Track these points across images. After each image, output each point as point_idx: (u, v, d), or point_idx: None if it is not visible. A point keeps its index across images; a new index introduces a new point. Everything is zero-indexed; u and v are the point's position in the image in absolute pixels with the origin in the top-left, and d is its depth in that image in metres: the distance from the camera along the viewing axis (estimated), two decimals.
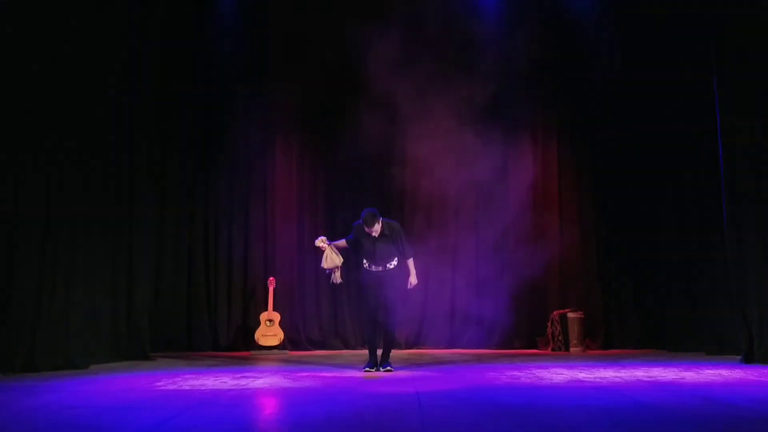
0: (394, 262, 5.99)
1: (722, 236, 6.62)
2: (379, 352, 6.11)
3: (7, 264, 6.02)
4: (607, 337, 8.36)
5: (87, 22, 6.72)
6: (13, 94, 6.17)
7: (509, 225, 8.48)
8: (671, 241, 7.89)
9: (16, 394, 4.82)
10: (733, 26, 6.54)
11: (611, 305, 8.51)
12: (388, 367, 5.95)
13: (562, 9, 8.74)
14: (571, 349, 7.93)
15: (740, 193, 6.38)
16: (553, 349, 8.04)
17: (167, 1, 8.10)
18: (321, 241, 6.11)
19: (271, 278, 8.29)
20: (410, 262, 6.10)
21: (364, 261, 6.03)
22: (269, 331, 8.08)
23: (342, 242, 6.16)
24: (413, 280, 6.10)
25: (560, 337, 8.04)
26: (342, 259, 6.09)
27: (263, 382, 5.32)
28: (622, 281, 8.51)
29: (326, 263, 6.05)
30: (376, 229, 5.89)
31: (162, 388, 5.00)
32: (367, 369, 5.97)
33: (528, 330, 8.45)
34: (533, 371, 5.88)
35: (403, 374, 5.79)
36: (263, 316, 8.15)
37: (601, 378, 5.31)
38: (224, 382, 5.27)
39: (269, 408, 4.33)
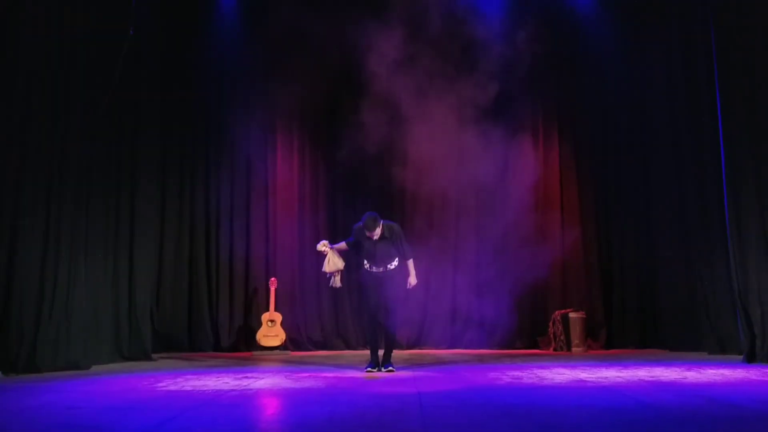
0: (395, 263, 6.00)
1: (724, 235, 6.61)
2: (381, 352, 6.10)
3: (9, 264, 6.03)
4: (608, 337, 8.35)
5: (89, 22, 6.72)
6: (15, 94, 6.18)
7: (510, 225, 8.47)
8: (673, 241, 7.88)
9: (17, 394, 4.82)
10: (733, 20, 6.53)
11: (613, 305, 8.50)
12: (390, 368, 5.95)
13: (563, 9, 8.74)
14: (573, 349, 7.92)
15: (742, 192, 6.37)
16: (554, 349, 8.03)
17: (169, 1, 8.10)
18: (323, 245, 6.12)
19: (273, 279, 8.29)
20: (410, 263, 6.10)
21: (365, 262, 6.04)
22: (271, 332, 8.08)
23: (342, 245, 6.17)
24: (412, 280, 6.10)
25: (562, 337, 8.03)
26: (344, 263, 6.10)
27: (265, 383, 5.32)
28: (624, 281, 8.50)
29: (328, 267, 6.07)
30: (377, 233, 5.91)
31: (163, 388, 5.00)
32: (369, 369, 5.97)
33: (529, 330, 8.45)
34: (535, 371, 5.87)
35: (405, 374, 5.79)
36: (265, 317, 8.15)
37: (602, 378, 5.30)
38: (226, 383, 5.26)
39: (271, 408, 4.33)
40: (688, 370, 5.75)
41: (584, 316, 8.08)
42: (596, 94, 8.70)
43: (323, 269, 6.12)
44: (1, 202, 6.06)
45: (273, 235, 8.71)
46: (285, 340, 8.13)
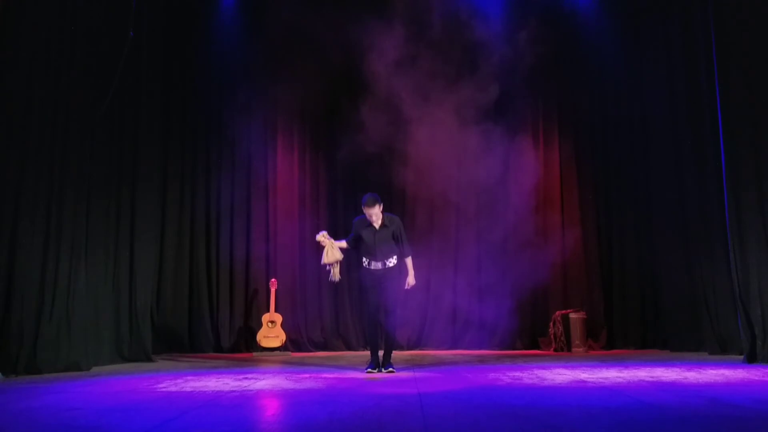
0: (393, 260, 6.00)
1: (725, 235, 6.61)
2: (381, 353, 6.10)
3: (9, 265, 6.03)
4: (609, 338, 8.35)
5: (91, 21, 6.73)
6: (16, 94, 6.19)
7: (511, 226, 8.48)
8: (673, 241, 7.88)
9: (18, 395, 4.82)
10: (733, 21, 6.53)
11: (613, 305, 8.50)
12: (390, 368, 5.95)
13: (564, 10, 8.74)
14: (574, 350, 7.92)
15: (743, 193, 6.37)
16: (555, 350, 8.03)
17: (170, 0, 8.11)
18: (323, 236, 6.12)
19: (273, 279, 8.29)
20: (409, 261, 6.11)
21: (364, 259, 6.03)
22: (271, 333, 8.08)
23: (343, 243, 6.16)
24: (411, 280, 6.10)
25: (562, 338, 8.03)
26: (342, 255, 6.09)
27: (265, 384, 5.32)
28: (625, 281, 8.49)
29: (326, 258, 6.06)
30: (376, 212, 5.91)
31: (164, 389, 5.00)
32: (369, 370, 5.97)
33: (530, 330, 8.45)
34: (535, 372, 5.87)
35: (405, 375, 5.79)
36: (265, 318, 8.15)
37: (603, 378, 5.30)
38: (226, 384, 5.26)
39: (271, 409, 4.33)
40: (689, 370, 5.74)
41: (585, 316, 8.07)
42: (597, 95, 8.71)
43: (322, 261, 6.10)
44: (1, 202, 6.06)
45: (273, 235, 8.71)
46: (285, 341, 8.13)
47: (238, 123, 8.60)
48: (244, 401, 4.49)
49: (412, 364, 6.72)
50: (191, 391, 4.86)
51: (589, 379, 5.25)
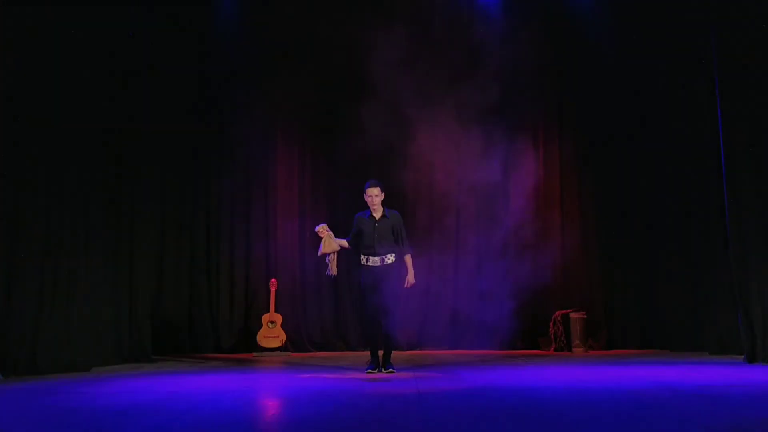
0: (392, 258, 5.99)
1: (724, 235, 6.61)
2: (381, 353, 6.10)
3: (9, 265, 6.03)
4: (609, 338, 8.34)
5: (92, 21, 6.74)
6: (15, 95, 6.20)
7: (511, 225, 8.46)
8: (673, 241, 7.88)
9: (18, 395, 4.83)
10: (733, 23, 6.53)
11: (613, 305, 8.49)
12: (390, 369, 5.94)
13: (564, 10, 8.73)
14: (574, 350, 7.91)
15: (742, 192, 6.36)
16: (555, 350, 8.02)
17: (170, 0, 8.12)
18: (322, 228, 6.11)
19: (273, 280, 8.29)
20: (408, 260, 6.11)
21: (362, 256, 6.01)
22: (271, 333, 8.08)
23: (344, 242, 6.15)
24: (411, 279, 6.10)
25: (562, 338, 8.02)
26: (339, 247, 6.09)
27: (265, 384, 5.32)
28: (625, 281, 8.49)
29: (324, 248, 6.05)
30: (377, 193, 5.99)
31: (164, 389, 5.00)
32: (370, 370, 5.96)
33: (530, 330, 8.43)
34: (535, 372, 5.87)
35: (405, 375, 5.79)
36: (265, 318, 8.15)
37: (603, 378, 5.30)
38: (226, 384, 5.26)
39: (271, 409, 4.33)
40: (689, 370, 5.75)
41: (585, 316, 8.07)
42: (597, 96, 8.69)
43: (320, 252, 6.10)
44: (1, 203, 6.06)
45: (273, 235, 8.69)
46: (285, 341, 8.12)
47: (239, 122, 8.59)
48: (244, 401, 4.50)
49: (412, 365, 6.72)
50: (191, 392, 4.86)
51: (589, 379, 5.25)
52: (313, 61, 8.46)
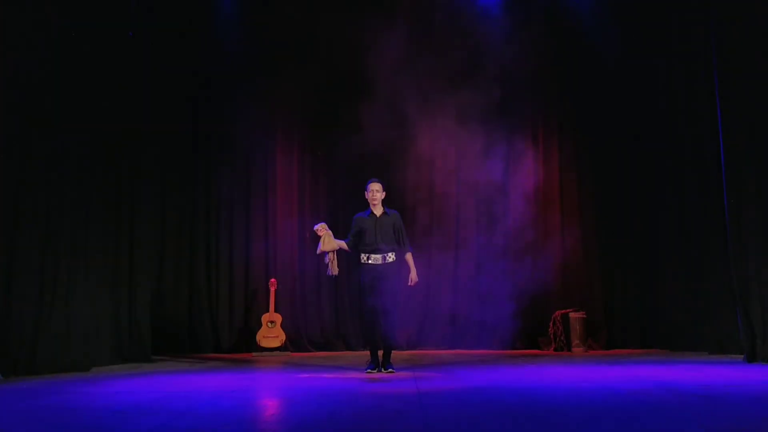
0: (393, 256, 5.99)
1: (724, 235, 6.61)
2: (380, 353, 6.10)
3: (9, 265, 6.02)
4: (609, 337, 8.34)
5: (92, 21, 6.74)
6: (16, 96, 6.19)
7: (511, 225, 8.48)
8: (673, 240, 7.87)
9: (18, 395, 4.82)
10: (733, 24, 6.53)
11: (613, 305, 8.49)
12: (390, 369, 5.94)
13: (564, 10, 8.73)
14: (573, 350, 7.91)
15: (742, 192, 6.36)
16: (555, 350, 8.02)
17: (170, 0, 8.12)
18: (322, 227, 6.10)
19: (273, 279, 8.28)
20: (409, 258, 6.12)
21: (363, 255, 5.99)
22: (271, 333, 8.07)
23: (342, 243, 6.14)
24: (414, 277, 6.10)
25: (562, 338, 8.02)
26: (338, 246, 6.07)
27: (265, 384, 5.32)
28: (624, 281, 8.49)
29: (324, 245, 6.03)
30: (379, 188, 6.04)
31: (163, 390, 5.00)
32: (369, 370, 5.96)
33: (530, 330, 8.43)
34: (535, 372, 5.87)
35: (405, 375, 5.79)
36: (265, 318, 8.15)
37: (603, 378, 5.30)
38: (226, 384, 5.26)
39: (271, 409, 4.33)
40: (689, 370, 5.75)
41: (584, 316, 8.07)
42: (596, 96, 8.69)
43: (319, 249, 6.07)
44: (1, 203, 6.06)
45: (273, 235, 8.69)
46: (285, 341, 8.12)
47: (238, 122, 8.59)
48: (244, 401, 4.50)
49: (411, 364, 6.71)
50: (191, 392, 4.86)
51: (589, 379, 5.25)
52: (313, 61, 8.47)
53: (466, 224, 8.70)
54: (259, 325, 8.16)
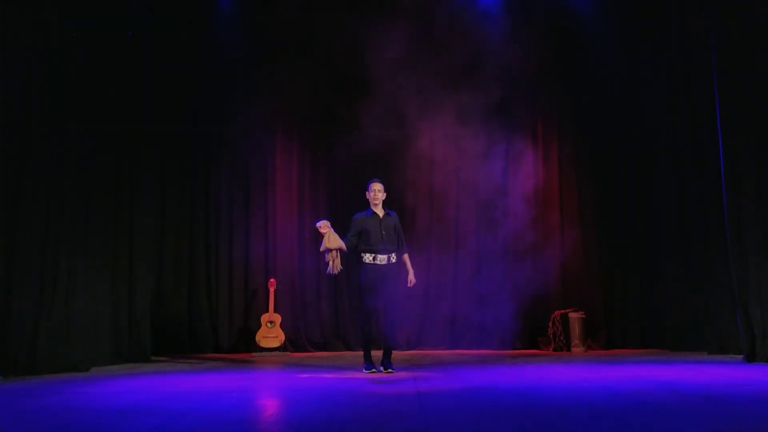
0: (395, 256, 6.00)
1: (724, 235, 6.61)
2: (380, 353, 6.10)
3: (8, 266, 6.02)
4: (608, 337, 8.34)
5: (92, 21, 6.74)
6: (15, 96, 6.19)
7: (511, 226, 8.48)
8: (673, 240, 7.87)
9: (17, 396, 4.82)
10: (733, 23, 6.53)
11: (613, 305, 8.49)
12: (390, 369, 5.94)
13: (564, 11, 8.73)
14: (573, 350, 7.91)
15: (742, 192, 6.37)
16: (554, 350, 8.02)
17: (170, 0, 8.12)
18: (324, 225, 6.02)
19: (272, 280, 8.28)
20: (407, 259, 6.12)
21: (367, 255, 5.94)
22: (270, 333, 8.07)
23: (342, 243, 6.10)
24: (412, 278, 6.10)
25: (562, 338, 8.02)
26: (342, 244, 5.97)
27: (264, 384, 5.32)
28: (624, 281, 8.48)
29: (328, 243, 5.91)
30: (381, 188, 6.06)
31: (163, 390, 4.99)
32: (370, 370, 5.96)
33: (529, 330, 8.43)
34: (535, 372, 5.87)
35: (405, 375, 5.79)
36: (264, 318, 8.15)
37: (602, 378, 5.30)
38: (225, 384, 5.26)
39: (270, 410, 4.33)
40: (688, 370, 5.75)
41: (584, 316, 8.07)
42: (596, 97, 8.69)
43: (322, 247, 5.96)
44: (1, 203, 6.06)
45: (273, 235, 8.69)
46: (284, 342, 8.12)
47: (238, 122, 8.59)
48: (244, 402, 4.49)
49: (411, 364, 6.71)
50: (190, 392, 4.85)
51: (589, 379, 5.25)
52: (312, 61, 8.47)
53: (466, 224, 8.70)
54: (259, 326, 8.15)
